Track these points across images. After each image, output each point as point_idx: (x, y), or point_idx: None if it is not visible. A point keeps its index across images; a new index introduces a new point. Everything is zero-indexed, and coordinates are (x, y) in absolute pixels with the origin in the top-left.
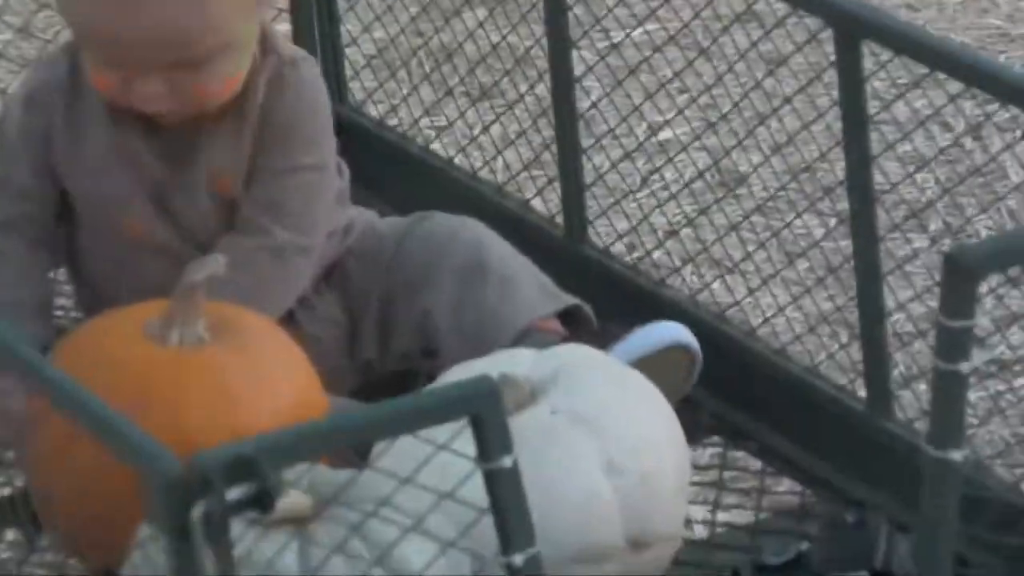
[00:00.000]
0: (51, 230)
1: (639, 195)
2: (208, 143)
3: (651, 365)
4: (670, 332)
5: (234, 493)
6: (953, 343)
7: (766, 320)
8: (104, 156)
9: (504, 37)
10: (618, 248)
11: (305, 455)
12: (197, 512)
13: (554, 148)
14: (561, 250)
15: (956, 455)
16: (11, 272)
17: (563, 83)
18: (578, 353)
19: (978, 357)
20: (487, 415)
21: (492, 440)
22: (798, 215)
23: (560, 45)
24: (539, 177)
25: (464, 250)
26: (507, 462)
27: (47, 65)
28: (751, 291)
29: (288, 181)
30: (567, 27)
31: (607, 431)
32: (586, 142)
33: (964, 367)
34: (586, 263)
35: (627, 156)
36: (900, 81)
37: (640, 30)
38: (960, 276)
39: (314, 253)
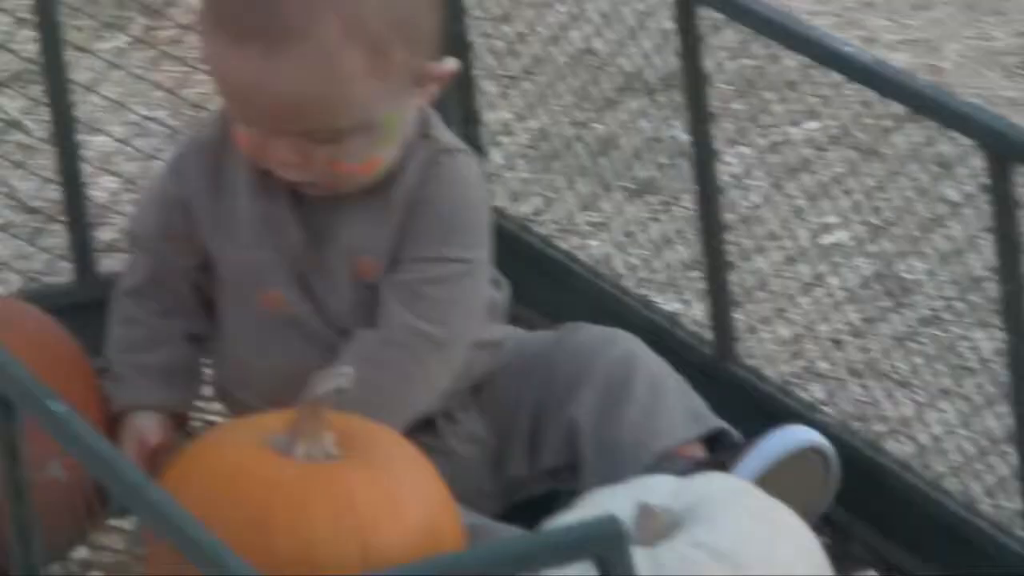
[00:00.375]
0: (185, 299)
1: (793, 310)
2: (349, 222)
3: (784, 473)
4: (799, 435)
5: None
6: None
7: (921, 452)
8: (249, 223)
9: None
10: (773, 357)
11: None
12: None
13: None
14: (709, 368)
15: None
16: (141, 337)
17: (708, 194)
18: (721, 484)
19: None
20: (612, 558)
21: None
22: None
23: (705, 153)
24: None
25: (613, 364)
26: None
27: (197, 129)
28: (906, 421)
29: (430, 271)
30: (710, 137)
31: (751, 569)
32: (748, 243)
33: None
34: (734, 382)
35: (774, 274)
36: None
37: (796, 129)
38: None
39: (453, 352)
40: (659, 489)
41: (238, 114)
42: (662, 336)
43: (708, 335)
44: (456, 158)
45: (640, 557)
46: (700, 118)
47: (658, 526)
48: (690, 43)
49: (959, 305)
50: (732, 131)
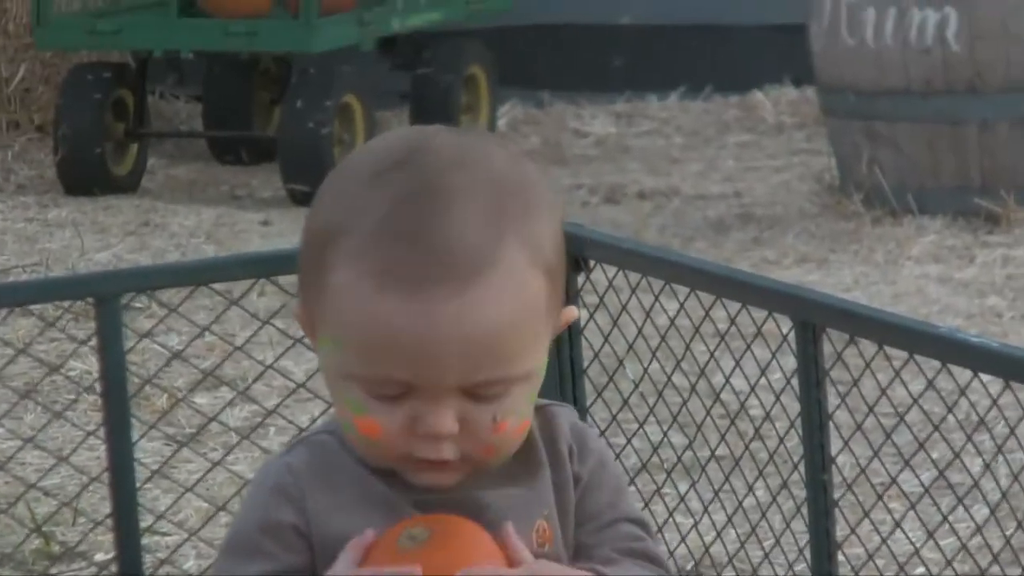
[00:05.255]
0: None
1: None
2: (496, 507)
3: None
4: None
5: None
6: None
7: None
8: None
9: None
10: None
11: None
12: None
13: None
14: None
15: None
16: None
17: None
18: None
19: None
20: None
21: None
22: None
23: None
24: None
25: None
26: None
27: (284, 456)
28: None
29: (628, 529)
30: None
31: None
32: None
33: None
34: None
35: None
36: None
37: None
38: None
39: None
40: None
41: (391, 384)
42: None
43: None
44: (570, 413)
45: None
46: None
47: None
48: None
49: None
50: None
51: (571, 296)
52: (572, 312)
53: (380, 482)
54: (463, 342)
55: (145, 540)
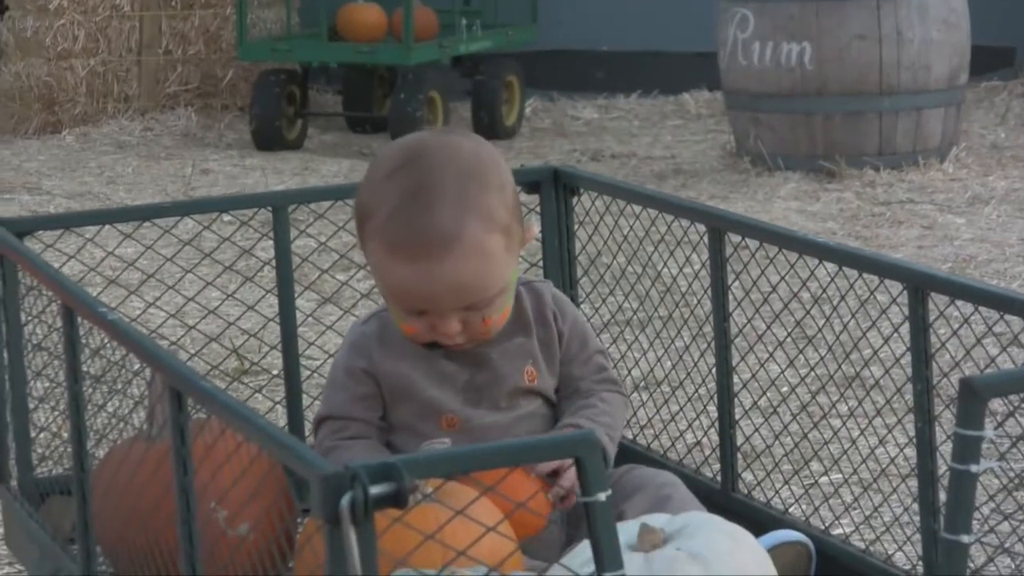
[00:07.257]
0: (376, 433)
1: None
2: (496, 356)
3: (774, 559)
4: (785, 534)
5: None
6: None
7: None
8: (423, 378)
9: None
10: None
11: (438, 472)
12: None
13: None
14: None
15: (965, 539)
16: (360, 447)
17: None
18: (703, 515)
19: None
20: (587, 459)
21: (591, 479)
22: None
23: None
24: None
25: (661, 484)
26: (602, 497)
27: (361, 324)
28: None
29: (598, 360)
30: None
31: (717, 566)
32: None
33: (974, 468)
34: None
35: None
36: None
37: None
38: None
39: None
40: (658, 518)
41: (414, 309)
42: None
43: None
44: (550, 287)
45: (638, 561)
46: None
47: (655, 540)
48: None
49: None
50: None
51: (568, 212)
52: (534, 229)
53: (421, 343)
54: (448, 288)
55: (303, 361)
